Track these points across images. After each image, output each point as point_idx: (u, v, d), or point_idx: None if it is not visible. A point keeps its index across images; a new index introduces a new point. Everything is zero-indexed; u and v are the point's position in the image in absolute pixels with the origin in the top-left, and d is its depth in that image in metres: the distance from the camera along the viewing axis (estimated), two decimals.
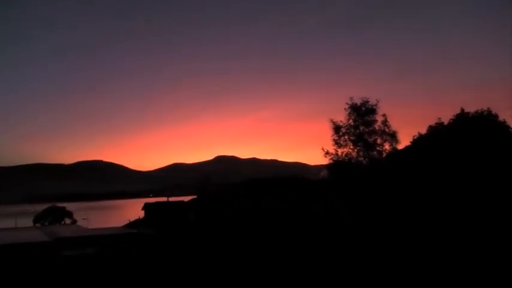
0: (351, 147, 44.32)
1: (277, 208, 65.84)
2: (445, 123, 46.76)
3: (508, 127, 43.78)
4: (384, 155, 43.82)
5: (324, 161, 45.10)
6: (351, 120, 44.51)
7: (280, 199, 73.03)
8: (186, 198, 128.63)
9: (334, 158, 44.54)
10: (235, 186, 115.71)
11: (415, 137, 49.11)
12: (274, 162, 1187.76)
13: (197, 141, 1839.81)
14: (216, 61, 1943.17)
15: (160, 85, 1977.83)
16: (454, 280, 27.82)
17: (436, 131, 46.46)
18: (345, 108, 44.89)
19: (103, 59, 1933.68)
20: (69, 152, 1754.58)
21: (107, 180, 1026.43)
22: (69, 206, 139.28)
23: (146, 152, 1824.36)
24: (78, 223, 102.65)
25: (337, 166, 44.71)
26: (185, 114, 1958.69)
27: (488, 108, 45.56)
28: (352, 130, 44.29)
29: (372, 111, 44.07)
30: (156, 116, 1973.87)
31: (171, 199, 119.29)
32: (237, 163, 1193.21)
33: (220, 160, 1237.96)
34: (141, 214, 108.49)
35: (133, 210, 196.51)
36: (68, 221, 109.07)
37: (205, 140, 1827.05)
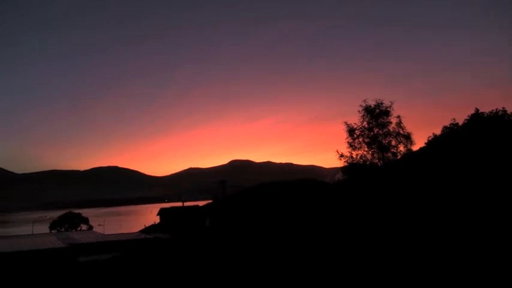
0: (366, 149, 44.10)
1: (292, 212, 65.79)
2: (460, 123, 46.46)
3: None
4: (399, 156, 43.54)
5: (339, 163, 45.05)
6: (365, 123, 44.35)
7: (295, 203, 72.92)
8: (202, 203, 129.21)
9: (348, 161, 44.34)
10: (250, 190, 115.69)
11: (430, 138, 48.91)
12: (289, 165, 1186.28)
13: (212, 146, 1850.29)
14: (230, 64, 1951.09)
15: (174, 90, 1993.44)
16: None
17: (451, 132, 46.15)
18: (359, 111, 44.85)
19: (117, 64, 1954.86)
20: (84, 159, 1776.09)
21: (123, 186, 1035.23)
22: (85, 212, 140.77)
23: (161, 157, 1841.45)
24: (94, 229, 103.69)
25: (352, 168, 44.58)
26: (199, 119, 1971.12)
27: (503, 107, 45.12)
28: (367, 132, 44.11)
29: (386, 113, 43.90)
30: (171, 121, 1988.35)
31: (187, 204, 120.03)
32: (252, 167, 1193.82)
33: (235, 164, 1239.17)
34: (157, 219, 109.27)
35: (148, 215, 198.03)
36: (84, 227, 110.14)
37: (220, 145, 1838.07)
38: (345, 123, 45.19)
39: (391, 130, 43.58)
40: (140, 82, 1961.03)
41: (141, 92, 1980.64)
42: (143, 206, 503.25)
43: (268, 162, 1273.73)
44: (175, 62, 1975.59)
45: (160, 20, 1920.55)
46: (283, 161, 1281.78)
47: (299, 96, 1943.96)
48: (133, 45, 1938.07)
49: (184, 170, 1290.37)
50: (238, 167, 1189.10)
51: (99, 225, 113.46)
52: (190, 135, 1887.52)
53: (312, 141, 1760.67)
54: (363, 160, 44.00)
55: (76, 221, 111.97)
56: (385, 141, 43.42)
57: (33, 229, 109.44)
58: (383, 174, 42.81)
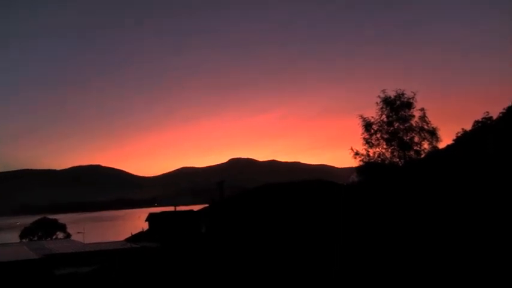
0: (384, 146, 44.38)
1: (299, 219, 66.05)
2: (494, 117, 46.59)
3: None
4: (423, 155, 43.69)
5: (354, 163, 45.38)
6: (383, 116, 44.58)
7: (303, 208, 73.18)
8: (197, 207, 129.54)
9: (365, 160, 44.65)
10: (253, 192, 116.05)
11: (459, 134, 49.10)
12: (296, 165, 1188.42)
13: (208, 143, 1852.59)
14: (228, 53, 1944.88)
15: (166, 81, 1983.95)
16: None
17: (483, 127, 46.28)
18: (376, 102, 44.98)
19: (101, 50, 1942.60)
20: (62, 156, 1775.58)
21: (106, 188, 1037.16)
22: (62, 218, 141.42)
23: (151, 155, 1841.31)
24: (72, 237, 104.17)
25: (368, 168, 44.90)
26: (194, 112, 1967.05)
27: None
28: (386, 127, 44.36)
29: (408, 105, 44.03)
30: (162, 115, 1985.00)
31: (180, 208, 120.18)
32: (254, 166, 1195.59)
33: (235, 163, 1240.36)
34: (145, 226, 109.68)
35: (136, 221, 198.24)
36: (60, 235, 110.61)
37: (218, 142, 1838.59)
38: (361, 116, 45.43)
39: (414, 125, 43.72)
40: (128, 71, 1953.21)
41: (129, 82, 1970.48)
42: (130, 210, 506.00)
43: (273, 161, 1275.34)
44: (168, 49, 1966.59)
45: (149, 10, 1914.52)
46: (290, 160, 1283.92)
47: (307, 86, 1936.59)
48: (120, 31, 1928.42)
49: (177, 170, 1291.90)
50: (238, 166, 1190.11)
51: (78, 233, 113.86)
52: (184, 131, 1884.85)
53: (322, 137, 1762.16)
54: (381, 159, 44.23)
55: (51, 228, 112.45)
56: (406, 138, 43.56)
57: (2, 237, 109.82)
58: (404, 175, 43.03)
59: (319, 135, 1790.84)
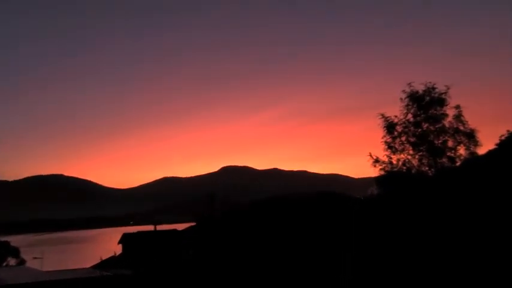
0: (411, 152, 44.48)
1: (307, 240, 66.19)
2: None
3: None
4: (458, 162, 43.66)
5: (373, 172, 45.53)
6: (409, 115, 44.67)
7: (312, 227, 73.19)
8: (182, 226, 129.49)
9: (386, 168, 44.86)
10: (252, 207, 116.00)
11: (503, 137, 48.80)
12: (302, 174, 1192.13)
13: (196, 149, 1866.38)
14: (219, 45, 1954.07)
15: (143, 74, 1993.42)
16: None
17: None
18: (400, 99, 45.06)
19: (67, 44, 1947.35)
20: (15, 164, 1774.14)
21: (70, 202, 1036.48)
22: (15, 240, 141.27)
23: (126, 163, 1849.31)
24: (27, 264, 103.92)
25: (391, 178, 44.93)
26: (178, 112, 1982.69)
27: None
28: (412, 129, 44.48)
29: (440, 101, 43.94)
30: (139, 117, 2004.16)
31: (161, 227, 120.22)
32: (252, 176, 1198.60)
33: (229, 172, 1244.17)
34: (118, 249, 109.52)
35: (107, 244, 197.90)
36: (12, 261, 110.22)
37: (208, 148, 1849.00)
38: (381, 116, 45.67)
39: (447, 126, 43.68)
40: (98, 68, 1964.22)
41: (99, 80, 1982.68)
42: (99, 230, 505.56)
43: (274, 170, 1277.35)
44: (143, 37, 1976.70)
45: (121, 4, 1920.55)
46: (295, 168, 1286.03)
47: (314, 80, 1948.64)
48: (91, 24, 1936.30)
49: (159, 181, 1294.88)
50: (232, 175, 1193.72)
51: (34, 258, 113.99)
52: (166, 135, 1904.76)
53: (334, 141, 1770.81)
54: (407, 167, 44.36)
55: (1, 252, 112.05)
56: (438, 141, 43.61)
57: None
58: (435, 187, 42.80)
59: (330, 139, 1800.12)
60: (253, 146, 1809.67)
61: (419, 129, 44.22)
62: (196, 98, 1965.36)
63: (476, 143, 43.31)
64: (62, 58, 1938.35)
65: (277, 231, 77.91)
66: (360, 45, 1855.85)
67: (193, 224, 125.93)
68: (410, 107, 44.59)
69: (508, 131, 48.48)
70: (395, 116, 45.15)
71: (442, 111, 43.92)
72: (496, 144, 49.28)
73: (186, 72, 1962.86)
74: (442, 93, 44.04)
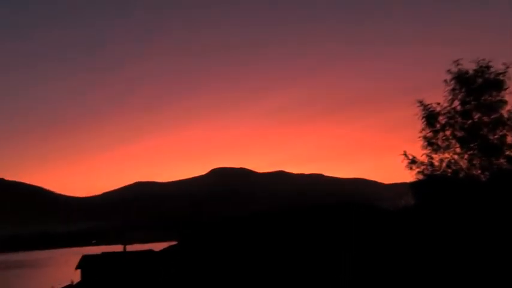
0: (458, 150, 43.96)
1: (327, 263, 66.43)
2: None
3: None
4: None
5: (408, 176, 45.30)
6: (456, 103, 44.08)
7: (332, 246, 73.19)
8: (159, 246, 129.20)
9: (426, 171, 44.56)
10: (251, 221, 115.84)
11: None
12: (317, 178, 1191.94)
13: (178, 148, 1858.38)
14: (203, 11, 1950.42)
15: (110, 55, 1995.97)
16: None
17: None
18: (445, 81, 44.38)
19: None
20: None
21: (14, 215, 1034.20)
22: None
23: (87, 165, 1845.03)
24: None
25: (432, 184, 44.53)
26: (154, 102, 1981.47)
27: None
28: (460, 120, 43.87)
29: (497, 85, 43.06)
30: (103, 108, 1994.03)
31: (131, 247, 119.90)
32: (251, 180, 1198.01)
33: (221, 176, 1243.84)
34: (76, 276, 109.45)
35: (61, 269, 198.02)
36: None
37: (193, 146, 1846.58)
38: (420, 103, 45.21)
39: (506, 116, 42.78)
40: (51, 59, 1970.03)
41: (52, 62, 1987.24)
42: (52, 251, 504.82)
43: (280, 173, 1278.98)
44: (105, 32, 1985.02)
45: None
46: (307, 171, 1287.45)
47: (326, 60, 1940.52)
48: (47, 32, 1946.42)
49: (129, 187, 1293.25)
50: (226, 179, 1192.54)
51: None
52: (138, 129, 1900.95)
53: (356, 137, 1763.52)
54: (453, 169, 43.84)
55: None
56: (493, 137, 42.80)
57: None
58: (490, 195, 42.22)
59: (350, 135, 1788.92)
60: (251, 144, 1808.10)
61: (469, 121, 43.51)
62: (175, 87, 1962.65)
63: None
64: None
65: (288, 256, 77.92)
66: (383, 20, 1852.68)
67: (174, 243, 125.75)
68: (457, 91, 43.85)
69: None
70: (438, 104, 44.65)
71: (499, 98, 43.01)
72: None
73: (173, 58, 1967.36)
74: (500, 74, 43.05)
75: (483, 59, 43.50)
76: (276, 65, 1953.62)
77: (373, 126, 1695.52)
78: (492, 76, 43.15)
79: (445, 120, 44.26)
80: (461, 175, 43.49)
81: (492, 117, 42.86)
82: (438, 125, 44.43)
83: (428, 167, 44.22)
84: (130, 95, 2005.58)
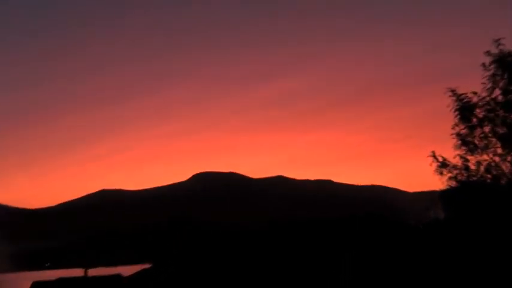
0: (499, 150, 43.51)
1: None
2: None
3: None
4: None
5: (437, 182, 45.21)
6: (497, 91, 43.44)
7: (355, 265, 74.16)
8: (129, 270, 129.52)
9: (460, 176, 44.41)
10: (249, 236, 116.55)
11: None
12: (323, 185, 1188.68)
13: (152, 150, 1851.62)
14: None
15: (71, 41, 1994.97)
16: None
17: None
18: (483, 65, 43.62)
19: None
20: None
21: None
22: None
23: (39, 173, 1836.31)
24: None
25: (467, 193, 44.61)
26: (124, 97, 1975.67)
27: None
28: (502, 113, 43.25)
29: None
30: (57, 105, 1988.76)
31: (95, 272, 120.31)
32: (244, 187, 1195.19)
33: (205, 182, 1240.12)
34: None
35: None
36: None
37: (170, 147, 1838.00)
38: (452, 92, 44.78)
39: None
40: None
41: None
42: None
43: (279, 179, 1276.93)
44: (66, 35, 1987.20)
45: None
46: (312, 177, 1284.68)
47: (333, 42, 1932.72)
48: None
49: (92, 196, 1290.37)
50: (212, 186, 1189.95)
51: None
52: (101, 129, 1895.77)
53: (370, 137, 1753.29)
54: (493, 174, 43.57)
55: None
56: None
57: None
58: None
59: (364, 133, 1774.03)
60: (241, 144, 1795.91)
61: None
62: (149, 74, 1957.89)
63: None
64: None
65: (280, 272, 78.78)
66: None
67: (147, 265, 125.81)
68: (498, 78, 43.07)
69: None
70: (475, 94, 43.94)
71: None
72: None
73: (146, 42, 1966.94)
74: None
75: None
76: (273, 50, 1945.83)
77: (392, 121, 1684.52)
78: None
79: (484, 113, 43.65)
80: (503, 181, 43.20)
81: None
82: (475, 120, 43.83)
83: (463, 172, 43.88)
84: (87, 84, 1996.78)
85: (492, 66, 43.45)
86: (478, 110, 43.96)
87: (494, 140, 43.56)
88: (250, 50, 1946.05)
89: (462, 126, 44.27)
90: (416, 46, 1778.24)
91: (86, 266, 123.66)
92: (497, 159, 43.46)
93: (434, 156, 44.85)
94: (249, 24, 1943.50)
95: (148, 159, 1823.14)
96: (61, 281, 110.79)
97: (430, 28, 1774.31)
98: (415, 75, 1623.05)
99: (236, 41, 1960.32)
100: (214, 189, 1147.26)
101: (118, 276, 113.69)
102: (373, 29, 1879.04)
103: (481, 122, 43.91)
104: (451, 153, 44.32)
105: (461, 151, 44.23)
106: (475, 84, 44.38)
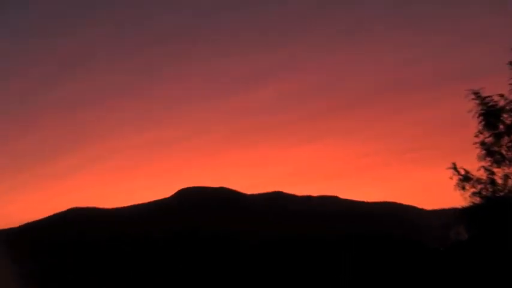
0: None
1: None
2: None
3: None
4: None
5: (459, 198, 44.99)
6: None
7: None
8: None
9: (485, 191, 44.14)
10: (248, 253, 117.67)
11: None
12: (331, 201, 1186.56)
13: (128, 162, 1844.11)
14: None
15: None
16: None
17: None
18: (510, 64, 43.71)
19: None
20: None
21: None
22: None
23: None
24: None
25: (494, 210, 44.22)
26: (97, 100, 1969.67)
27: None
28: None
29: None
30: (22, 111, 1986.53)
31: None
32: (237, 204, 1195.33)
33: (192, 199, 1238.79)
34: None
35: None
36: None
37: (150, 159, 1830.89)
38: (475, 95, 44.39)
39: None
40: None
41: None
42: None
43: (277, 195, 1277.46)
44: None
45: None
46: (315, 192, 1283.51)
47: (337, 38, 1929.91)
48: None
49: (61, 215, 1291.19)
50: (199, 205, 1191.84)
51: None
52: (73, 136, 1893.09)
53: (381, 146, 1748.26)
54: None
55: None
56: None
57: None
58: None
59: (373, 143, 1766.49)
60: (232, 156, 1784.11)
61: None
62: (129, 77, 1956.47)
63: None
64: None
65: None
66: None
67: None
68: None
69: None
70: (501, 96, 43.60)
71: None
72: None
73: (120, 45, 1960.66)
74: None
75: None
76: (270, 49, 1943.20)
77: (406, 129, 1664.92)
78: None
79: None
80: None
81: None
82: (502, 127, 43.30)
83: (488, 186, 43.41)
84: (56, 87, 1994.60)
85: None
86: (505, 115, 43.50)
87: None
88: (244, 48, 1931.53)
89: (487, 134, 43.77)
90: (432, 41, 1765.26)
91: None
92: None
93: (455, 168, 44.60)
94: (243, 23, 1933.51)
95: (125, 173, 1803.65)
96: None
97: (447, 20, 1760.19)
98: (430, 75, 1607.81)
99: (229, 39, 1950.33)
100: (202, 207, 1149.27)
101: None
102: (375, 26, 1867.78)
103: (509, 129, 43.41)
104: (475, 165, 43.94)
105: (486, 162, 43.81)
106: (502, 85, 44.18)
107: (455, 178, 44.26)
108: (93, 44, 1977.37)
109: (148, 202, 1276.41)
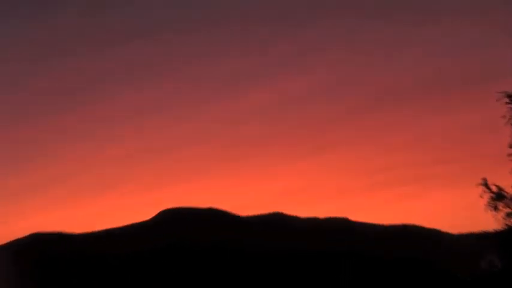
0: None
1: None
2: None
3: None
4: None
5: (490, 220, 44.49)
6: None
7: None
8: None
9: None
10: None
11: None
12: (339, 225, 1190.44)
13: (103, 175, 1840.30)
14: None
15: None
16: None
17: None
18: None
19: None
20: None
21: None
22: None
23: None
24: None
25: None
26: (60, 110, 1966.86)
27: None
28: None
29: None
30: None
31: None
32: (230, 228, 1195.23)
33: (176, 223, 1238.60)
34: None
35: None
36: None
37: (128, 174, 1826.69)
38: (508, 97, 43.33)
39: None
40: None
41: None
42: None
43: (277, 217, 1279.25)
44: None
45: None
46: (323, 214, 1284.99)
47: (344, 34, 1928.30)
48: None
49: (22, 241, 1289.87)
50: (184, 228, 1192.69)
51: None
52: (36, 147, 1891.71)
53: (400, 159, 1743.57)
54: None
55: None
56: None
57: None
58: None
59: (387, 155, 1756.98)
60: (221, 170, 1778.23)
61: None
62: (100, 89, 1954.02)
63: None
64: None
65: None
66: None
67: None
68: None
69: None
70: None
71: None
72: None
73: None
74: None
75: None
76: (270, 46, 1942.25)
77: (426, 139, 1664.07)
78: None
79: None
80: None
81: None
82: None
83: None
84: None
85: None
86: None
87: None
88: (241, 43, 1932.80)
89: None
90: (456, 37, 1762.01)
91: None
92: None
93: (486, 185, 43.45)
94: (239, 17, 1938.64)
95: (97, 192, 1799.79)
96: None
97: (475, 11, 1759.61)
98: (454, 76, 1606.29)
99: (223, 35, 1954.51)
100: (188, 232, 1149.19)
101: None
102: (393, 17, 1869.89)
103: None
104: (508, 180, 43.14)
105: None
106: None
107: (486, 196, 43.28)
108: (49, 44, 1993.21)
109: (126, 225, 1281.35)
